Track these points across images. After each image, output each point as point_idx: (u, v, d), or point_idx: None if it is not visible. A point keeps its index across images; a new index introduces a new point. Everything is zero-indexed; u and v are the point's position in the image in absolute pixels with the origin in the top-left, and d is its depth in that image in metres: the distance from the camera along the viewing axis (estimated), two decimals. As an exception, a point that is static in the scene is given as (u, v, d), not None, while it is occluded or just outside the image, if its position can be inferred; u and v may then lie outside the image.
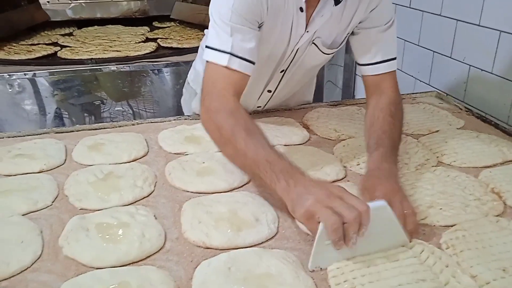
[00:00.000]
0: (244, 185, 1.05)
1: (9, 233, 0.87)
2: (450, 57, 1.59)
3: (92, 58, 2.21)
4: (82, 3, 2.80)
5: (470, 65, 1.50)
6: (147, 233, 0.86)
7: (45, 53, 2.29)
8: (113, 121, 2.26)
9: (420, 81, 1.80)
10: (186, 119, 1.41)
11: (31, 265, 0.80)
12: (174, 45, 2.36)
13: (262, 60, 1.16)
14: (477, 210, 0.92)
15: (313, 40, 1.16)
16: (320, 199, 0.77)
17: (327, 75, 2.53)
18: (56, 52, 2.32)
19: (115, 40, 2.53)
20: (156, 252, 0.84)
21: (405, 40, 1.86)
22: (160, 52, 2.32)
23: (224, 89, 1.01)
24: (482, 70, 1.45)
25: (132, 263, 0.81)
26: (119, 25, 2.88)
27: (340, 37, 1.18)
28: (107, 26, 2.88)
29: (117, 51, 2.28)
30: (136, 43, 2.45)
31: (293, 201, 0.80)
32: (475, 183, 1.01)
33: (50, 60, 2.27)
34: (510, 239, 0.83)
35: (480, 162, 1.12)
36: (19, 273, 0.79)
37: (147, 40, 2.53)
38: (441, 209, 0.92)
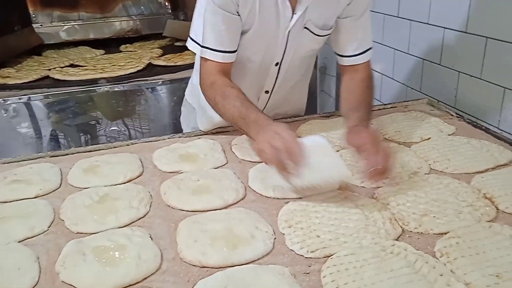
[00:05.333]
0: (239, 201, 1.05)
1: (6, 261, 0.87)
2: (439, 64, 1.61)
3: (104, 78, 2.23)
4: (75, 25, 2.83)
5: (459, 72, 1.52)
6: (143, 254, 0.87)
7: (37, 76, 2.30)
8: (109, 141, 2.28)
9: (412, 88, 1.82)
10: (180, 137, 1.42)
11: (29, 292, 0.81)
12: (167, 63, 2.39)
13: (256, 52, 1.28)
14: (470, 217, 0.93)
15: (305, 24, 1.23)
16: (265, 138, 0.98)
17: (320, 85, 2.55)
18: (47, 76, 2.33)
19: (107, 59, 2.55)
20: (153, 273, 0.84)
21: (395, 49, 1.89)
22: (154, 70, 2.35)
23: (208, 70, 1.24)
24: (471, 76, 1.47)
25: (129, 285, 0.81)
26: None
27: (330, 19, 1.25)
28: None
29: (110, 71, 2.29)
30: (127, 62, 2.47)
31: (256, 142, 1.03)
32: (468, 189, 1.02)
33: (44, 82, 2.28)
34: (504, 244, 0.83)
35: (472, 167, 1.12)
36: (17, 300, 0.79)
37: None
38: (434, 217, 0.93)
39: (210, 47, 1.22)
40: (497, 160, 1.15)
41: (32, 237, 0.96)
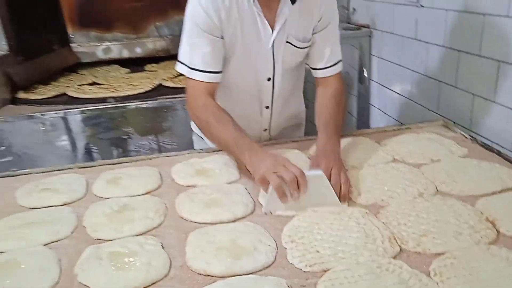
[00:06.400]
0: (247, 215, 1.11)
1: (31, 262, 0.96)
2: (455, 87, 1.63)
3: (112, 97, 2.35)
4: (110, 45, 2.99)
5: (473, 94, 1.53)
6: (153, 261, 0.93)
7: (55, 93, 2.45)
8: (138, 154, 2.39)
9: (429, 110, 1.83)
10: (199, 152, 1.50)
11: (49, 291, 0.89)
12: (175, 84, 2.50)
13: (247, 70, 1.38)
14: (469, 238, 0.94)
15: (287, 39, 1.35)
16: (269, 167, 1.08)
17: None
18: (64, 93, 2.47)
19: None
20: (161, 279, 0.90)
21: (412, 70, 1.91)
22: (162, 91, 2.45)
23: (197, 91, 1.32)
24: (485, 99, 1.48)
25: (138, 289, 0.88)
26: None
27: (307, 32, 1.37)
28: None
29: (121, 90, 2.43)
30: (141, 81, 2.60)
31: (253, 170, 1.13)
32: (471, 211, 1.04)
33: (59, 99, 2.42)
34: (499, 265, 0.85)
35: (479, 190, 1.14)
36: (38, 298, 0.87)
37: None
38: (433, 237, 0.95)
39: (197, 68, 1.31)
40: (505, 183, 1.15)
41: (56, 241, 1.04)
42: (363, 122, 2.50)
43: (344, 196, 1.12)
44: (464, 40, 1.56)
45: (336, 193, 1.11)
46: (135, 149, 2.46)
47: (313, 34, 1.38)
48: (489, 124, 1.48)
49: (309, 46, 1.40)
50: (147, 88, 2.42)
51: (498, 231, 0.97)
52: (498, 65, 1.40)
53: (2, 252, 1.00)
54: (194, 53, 1.31)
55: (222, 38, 1.31)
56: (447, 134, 1.51)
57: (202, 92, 1.32)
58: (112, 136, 2.44)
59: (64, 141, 2.35)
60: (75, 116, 2.31)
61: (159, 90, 2.45)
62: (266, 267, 0.92)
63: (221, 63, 1.34)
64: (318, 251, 0.94)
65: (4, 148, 2.29)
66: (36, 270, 0.93)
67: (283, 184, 1.05)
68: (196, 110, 1.34)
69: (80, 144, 2.40)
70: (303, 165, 1.19)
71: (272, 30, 1.33)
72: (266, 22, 1.31)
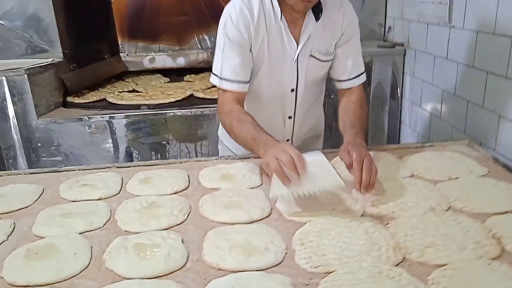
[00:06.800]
0: (263, 218, 1.19)
1: (67, 247, 1.07)
2: (482, 107, 1.64)
3: (146, 104, 2.53)
4: (155, 56, 3.18)
5: (499, 115, 1.54)
6: (172, 253, 1.03)
7: (96, 98, 2.65)
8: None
9: (457, 129, 1.84)
10: (226, 158, 1.59)
11: (79, 272, 0.99)
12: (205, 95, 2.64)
13: (272, 81, 1.49)
14: (472, 252, 0.97)
15: (311, 53, 1.45)
16: (272, 154, 1.17)
17: (372, 119, 2.61)
18: (104, 98, 2.66)
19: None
20: (178, 269, 0.99)
21: (442, 89, 1.93)
22: (193, 101, 2.60)
23: (226, 99, 1.45)
24: (510, 120, 1.48)
25: (156, 277, 0.97)
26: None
27: (330, 46, 1.48)
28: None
29: (156, 98, 2.60)
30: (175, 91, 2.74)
31: (263, 158, 1.24)
32: (479, 228, 1.06)
33: (98, 104, 2.62)
34: (495, 279, 0.88)
35: (491, 208, 1.15)
36: (70, 278, 0.98)
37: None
38: (437, 249, 0.99)
39: (227, 78, 1.43)
40: (520, 204, 1.17)
41: (90, 231, 1.16)
42: (393, 138, 2.52)
43: (372, 185, 1.17)
44: (492, 61, 1.57)
45: (343, 178, 1.17)
46: (173, 155, 2.60)
47: (335, 48, 1.47)
48: (513, 145, 1.48)
49: (332, 59, 1.49)
50: (179, 98, 2.57)
51: (503, 248, 1.00)
52: (524, 87, 1.41)
53: (43, 237, 1.13)
54: (225, 65, 1.43)
55: (250, 51, 1.42)
56: (470, 153, 1.52)
57: (231, 100, 1.44)
58: (152, 141, 2.60)
59: (107, 143, 2.53)
60: (119, 121, 2.48)
61: (190, 100, 2.60)
62: (274, 266, 0.98)
63: (249, 74, 1.45)
64: (324, 255, 1.00)
65: (54, 147, 2.50)
66: (71, 254, 1.05)
67: (283, 167, 1.13)
68: (223, 116, 1.46)
69: (122, 147, 2.57)
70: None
71: (297, 45, 1.42)
72: (292, 37, 1.42)
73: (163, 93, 2.71)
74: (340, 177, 1.15)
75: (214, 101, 2.50)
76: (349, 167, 1.21)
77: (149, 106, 2.50)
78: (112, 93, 2.76)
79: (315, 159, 1.16)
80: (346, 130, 1.39)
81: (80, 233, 1.14)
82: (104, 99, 2.66)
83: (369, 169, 1.17)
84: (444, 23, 1.90)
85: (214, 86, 1.50)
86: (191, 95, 2.67)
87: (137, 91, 2.82)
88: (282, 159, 1.13)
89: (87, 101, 2.62)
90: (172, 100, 2.54)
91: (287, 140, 1.64)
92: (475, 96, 1.68)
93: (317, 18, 1.40)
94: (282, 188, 1.15)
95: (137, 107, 2.51)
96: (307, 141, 1.69)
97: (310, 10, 1.39)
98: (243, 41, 1.40)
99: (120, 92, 2.80)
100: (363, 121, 1.44)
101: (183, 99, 2.58)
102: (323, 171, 1.15)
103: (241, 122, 1.38)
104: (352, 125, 1.39)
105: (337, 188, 1.16)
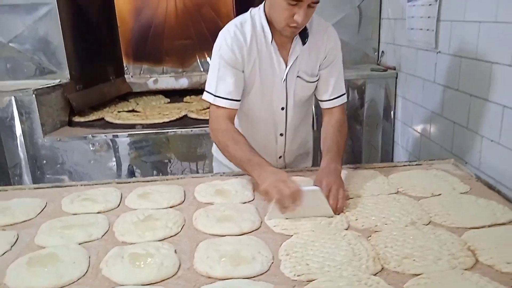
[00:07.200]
0: (253, 231, 1.25)
1: (67, 256, 1.14)
2: (466, 128, 1.71)
3: (141, 124, 2.64)
4: (158, 77, 3.30)
5: (482, 136, 1.61)
6: (165, 262, 1.09)
7: (95, 117, 2.76)
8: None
9: (445, 149, 1.91)
10: (221, 175, 1.66)
11: (77, 280, 1.06)
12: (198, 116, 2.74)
13: (263, 100, 1.59)
14: (447, 263, 1.03)
15: (298, 74, 1.56)
16: (272, 183, 1.27)
17: (367, 139, 2.69)
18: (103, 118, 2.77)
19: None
20: (170, 277, 1.06)
21: (431, 111, 2.01)
22: (186, 121, 2.70)
23: (220, 116, 1.54)
24: (491, 140, 1.55)
25: (149, 284, 1.03)
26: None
27: (315, 68, 1.58)
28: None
29: (151, 118, 2.71)
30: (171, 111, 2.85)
31: (259, 183, 1.33)
32: (455, 241, 1.12)
33: (96, 123, 2.72)
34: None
35: (469, 223, 1.21)
36: (68, 284, 1.04)
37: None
38: (414, 260, 1.05)
39: (222, 96, 1.52)
40: (496, 219, 1.22)
41: (89, 242, 1.23)
42: (387, 158, 2.59)
43: (340, 209, 1.31)
44: (475, 85, 1.65)
45: (331, 206, 1.30)
46: (174, 173, 2.67)
47: (319, 70, 1.58)
48: (495, 164, 1.55)
49: (317, 80, 1.60)
50: (173, 118, 2.69)
51: (477, 260, 1.05)
52: (503, 110, 1.48)
53: (45, 247, 1.20)
54: (220, 83, 1.53)
55: (243, 72, 1.53)
56: (455, 172, 1.59)
57: (224, 117, 1.53)
58: (154, 160, 2.68)
59: (110, 162, 2.61)
60: (122, 139, 2.57)
61: (184, 121, 2.71)
62: (260, 274, 1.05)
63: (241, 92, 1.55)
64: (307, 264, 1.06)
65: (59, 165, 2.58)
66: (70, 263, 1.11)
67: (283, 198, 1.24)
68: (218, 133, 1.54)
69: (125, 164, 2.65)
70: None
71: (286, 66, 1.53)
72: (281, 58, 1.53)
73: (159, 113, 2.82)
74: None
75: (206, 121, 2.61)
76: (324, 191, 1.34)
77: (144, 126, 2.61)
78: (111, 113, 2.86)
79: (310, 190, 1.28)
80: (323, 154, 1.51)
81: (79, 244, 1.21)
82: (103, 118, 2.76)
83: (335, 196, 1.31)
84: (431, 49, 1.99)
85: (209, 107, 1.59)
86: (185, 116, 2.78)
87: (136, 111, 2.92)
88: (283, 192, 1.24)
89: (87, 120, 2.72)
90: (166, 120, 2.66)
91: (280, 157, 1.72)
92: (460, 117, 1.76)
93: (303, 42, 1.52)
94: (279, 214, 1.28)
95: (132, 126, 2.61)
96: (298, 158, 1.77)
97: (298, 35, 1.50)
98: (236, 62, 1.51)
99: (119, 111, 2.90)
100: (341, 143, 1.55)
101: (177, 119, 2.69)
102: (316, 201, 1.28)
103: (236, 143, 1.47)
104: (328, 149, 1.51)
105: (327, 212, 1.30)
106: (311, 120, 1.81)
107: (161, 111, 2.87)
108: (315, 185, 1.35)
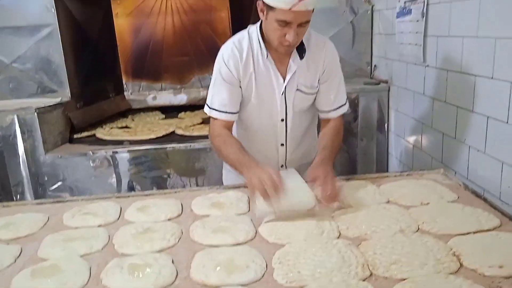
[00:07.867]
0: (248, 241, 1.30)
1: (69, 267, 1.19)
2: (454, 138, 1.77)
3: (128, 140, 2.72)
4: (157, 94, 3.37)
5: (469, 145, 1.67)
6: (163, 272, 1.14)
7: (87, 134, 2.83)
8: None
9: (435, 159, 1.96)
10: (218, 188, 1.71)
11: (79, 288, 1.11)
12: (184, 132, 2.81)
13: (262, 112, 1.67)
14: (432, 268, 1.08)
15: (297, 87, 1.63)
16: (254, 173, 1.38)
17: (362, 151, 2.74)
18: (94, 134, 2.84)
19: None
20: (167, 286, 1.10)
21: (422, 123, 2.07)
22: (173, 138, 2.77)
23: (215, 125, 1.67)
24: (478, 150, 1.61)
25: (148, 292, 1.08)
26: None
27: (314, 81, 1.66)
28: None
29: (140, 134, 2.77)
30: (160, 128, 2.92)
31: (246, 178, 1.41)
32: (441, 247, 1.17)
33: (87, 139, 2.80)
34: (449, 291, 0.98)
35: (455, 230, 1.26)
36: (70, 294, 1.09)
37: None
38: (401, 266, 1.09)
39: (216, 108, 1.64)
40: (481, 226, 1.27)
41: (90, 254, 1.27)
42: (382, 169, 2.64)
43: (331, 196, 1.40)
44: (461, 96, 1.72)
45: (315, 194, 1.40)
46: (173, 188, 2.71)
47: (319, 83, 1.65)
48: (481, 173, 1.60)
49: (317, 92, 1.67)
50: (160, 134, 2.77)
51: (461, 264, 1.10)
52: (487, 120, 1.54)
53: (47, 259, 1.25)
54: (215, 97, 1.65)
55: (240, 87, 1.61)
56: (444, 181, 1.63)
57: (220, 126, 1.66)
58: (153, 175, 2.73)
59: (110, 178, 2.66)
60: (122, 155, 2.62)
61: (171, 137, 2.79)
62: (254, 282, 1.09)
63: (237, 106, 1.65)
64: (299, 271, 1.10)
65: (60, 183, 2.63)
66: (72, 274, 1.16)
67: (264, 184, 1.33)
68: (213, 139, 1.67)
69: (125, 180, 2.70)
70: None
71: (284, 80, 1.60)
72: (279, 73, 1.61)
73: (149, 129, 2.90)
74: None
75: (192, 138, 2.71)
76: (313, 181, 1.43)
77: (131, 142, 2.69)
78: (103, 129, 2.92)
79: (290, 175, 1.40)
80: (318, 151, 1.61)
81: (81, 256, 1.26)
82: (93, 135, 2.84)
83: (322, 182, 1.40)
84: (420, 63, 2.06)
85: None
86: (173, 132, 2.85)
87: (128, 127, 3.00)
88: (263, 176, 1.33)
89: (78, 136, 2.80)
90: (153, 136, 2.74)
91: (282, 166, 1.78)
92: (448, 128, 1.82)
93: (301, 57, 1.60)
94: (265, 207, 1.35)
95: (120, 142, 2.69)
96: (302, 167, 1.80)
97: (295, 50, 1.58)
98: (232, 78, 1.60)
99: (111, 128, 2.97)
100: (336, 144, 1.65)
101: (163, 136, 2.77)
102: (297, 185, 1.39)
103: (227, 145, 1.59)
104: (324, 147, 1.60)
105: (309, 206, 1.38)
106: (316, 130, 1.86)
107: (152, 127, 2.95)
108: (294, 173, 1.47)
